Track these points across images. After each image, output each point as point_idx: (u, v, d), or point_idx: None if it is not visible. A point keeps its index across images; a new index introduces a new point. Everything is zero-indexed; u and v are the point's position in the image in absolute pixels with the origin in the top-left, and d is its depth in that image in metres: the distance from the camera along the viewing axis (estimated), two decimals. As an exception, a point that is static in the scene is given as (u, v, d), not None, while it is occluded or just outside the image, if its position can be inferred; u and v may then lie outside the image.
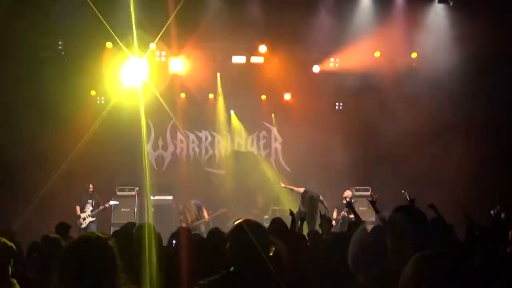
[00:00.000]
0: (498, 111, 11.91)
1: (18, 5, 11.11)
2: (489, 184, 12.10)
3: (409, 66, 13.56)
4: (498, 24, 11.54)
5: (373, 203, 6.41)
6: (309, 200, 10.93)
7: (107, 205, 11.70)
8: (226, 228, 6.56)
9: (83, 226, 11.26)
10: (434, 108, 12.75)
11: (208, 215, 11.61)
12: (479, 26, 11.79)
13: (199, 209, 11.27)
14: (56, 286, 2.18)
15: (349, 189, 12.31)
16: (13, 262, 3.82)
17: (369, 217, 9.48)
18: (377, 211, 6.12)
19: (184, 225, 10.67)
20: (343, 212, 11.26)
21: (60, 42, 12.89)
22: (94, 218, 11.52)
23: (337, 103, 14.71)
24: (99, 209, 11.61)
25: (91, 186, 11.66)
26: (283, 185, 12.26)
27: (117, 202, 12.06)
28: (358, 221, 5.93)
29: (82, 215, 11.39)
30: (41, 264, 4.82)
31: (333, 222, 9.56)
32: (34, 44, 12.48)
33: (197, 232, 10.06)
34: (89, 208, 11.43)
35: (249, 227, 3.10)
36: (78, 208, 11.40)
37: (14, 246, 3.95)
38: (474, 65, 12.19)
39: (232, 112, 14.89)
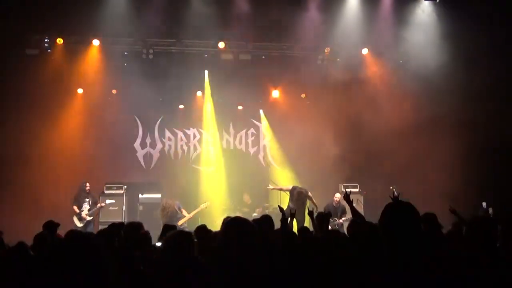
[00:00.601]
0: (483, 106, 11.97)
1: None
2: (471, 177, 12.23)
3: (396, 62, 13.57)
4: (484, 22, 11.60)
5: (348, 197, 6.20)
6: (297, 196, 10.87)
7: (103, 204, 11.67)
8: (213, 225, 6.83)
9: (81, 225, 11.16)
10: (421, 103, 12.80)
11: (189, 213, 11.48)
12: (465, 23, 11.85)
13: (178, 208, 11.19)
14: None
15: (338, 192, 12.09)
16: None
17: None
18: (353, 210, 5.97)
19: (163, 220, 10.56)
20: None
21: (46, 40, 12.72)
22: (92, 217, 11.46)
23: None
24: (96, 207, 11.57)
25: (87, 185, 11.59)
26: (271, 187, 12.14)
27: (113, 201, 12.06)
28: (356, 215, 5.83)
29: (80, 215, 11.34)
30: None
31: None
32: (20, 40, 12.30)
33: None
34: (86, 207, 11.36)
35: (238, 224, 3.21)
36: (76, 207, 11.31)
37: None
38: (461, 61, 12.14)
39: (219, 109, 14.86)
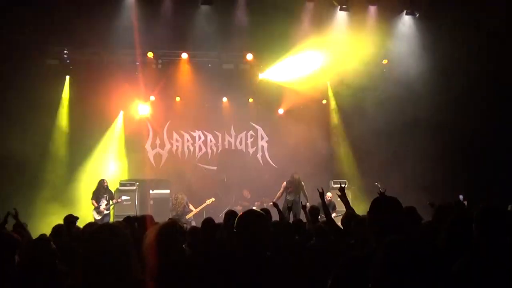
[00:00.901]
0: (458, 111, 11.98)
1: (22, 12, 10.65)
2: (449, 173, 12.33)
3: (381, 70, 13.76)
4: (458, 33, 11.68)
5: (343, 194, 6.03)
6: (297, 183, 11.09)
7: (119, 200, 11.75)
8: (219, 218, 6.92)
9: (99, 217, 11.29)
10: (403, 106, 12.84)
11: (195, 208, 11.62)
12: (442, 35, 12.11)
13: (186, 203, 11.41)
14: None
15: (329, 191, 12.19)
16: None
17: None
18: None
19: (173, 213, 10.95)
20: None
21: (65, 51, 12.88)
22: (108, 211, 11.60)
23: (323, 101, 14.94)
24: (113, 203, 11.72)
25: (106, 182, 11.74)
26: (272, 203, 11.78)
27: (128, 197, 12.13)
28: (350, 208, 5.74)
29: (98, 209, 11.52)
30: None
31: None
32: (40, 51, 12.35)
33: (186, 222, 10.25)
34: (103, 202, 11.53)
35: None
36: (94, 201, 11.48)
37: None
38: (438, 69, 12.34)
39: (222, 113, 14.98)
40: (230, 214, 5.06)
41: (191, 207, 11.49)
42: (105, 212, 11.56)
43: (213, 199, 11.93)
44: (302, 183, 11.31)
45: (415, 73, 12.74)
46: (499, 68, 11.58)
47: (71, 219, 6.28)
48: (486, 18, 11.12)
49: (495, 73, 11.73)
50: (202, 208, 11.71)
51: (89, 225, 5.69)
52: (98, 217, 11.38)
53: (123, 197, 11.92)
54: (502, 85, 11.78)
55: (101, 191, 11.64)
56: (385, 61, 13.71)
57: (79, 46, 12.67)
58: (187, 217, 11.21)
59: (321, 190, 6.16)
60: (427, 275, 1.89)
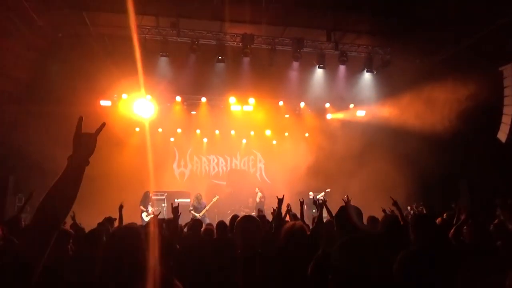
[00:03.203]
0: (412, 141, 11.33)
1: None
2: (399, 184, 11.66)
3: (350, 112, 13.82)
4: (406, 84, 11.62)
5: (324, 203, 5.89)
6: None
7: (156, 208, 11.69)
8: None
9: (147, 219, 10.87)
10: (366, 137, 12.79)
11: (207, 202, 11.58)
12: (395, 88, 11.98)
13: (200, 198, 11.44)
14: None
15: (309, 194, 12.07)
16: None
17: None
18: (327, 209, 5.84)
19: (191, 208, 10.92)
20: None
21: (115, 96, 12.78)
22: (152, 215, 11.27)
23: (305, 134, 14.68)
24: (156, 209, 11.57)
25: (151, 192, 11.59)
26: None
27: (165, 204, 11.91)
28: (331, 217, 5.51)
29: (145, 213, 11.16)
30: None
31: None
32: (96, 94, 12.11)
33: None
34: (149, 208, 11.28)
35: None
36: (142, 207, 11.18)
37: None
38: (393, 109, 12.11)
39: (231, 142, 14.96)
40: (234, 218, 5.07)
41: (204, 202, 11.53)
42: (151, 215, 11.20)
43: (217, 196, 11.78)
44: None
45: (376, 113, 12.79)
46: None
47: (110, 219, 6.07)
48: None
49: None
50: (211, 205, 11.55)
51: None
52: (147, 219, 10.94)
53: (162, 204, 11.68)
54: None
55: (147, 199, 11.42)
56: (351, 106, 13.81)
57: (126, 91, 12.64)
58: (200, 214, 10.94)
59: (301, 200, 5.91)
60: (374, 261, 1.77)
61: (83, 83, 10.64)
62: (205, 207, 11.41)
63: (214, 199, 11.66)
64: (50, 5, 9.68)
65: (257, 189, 13.13)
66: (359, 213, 2.81)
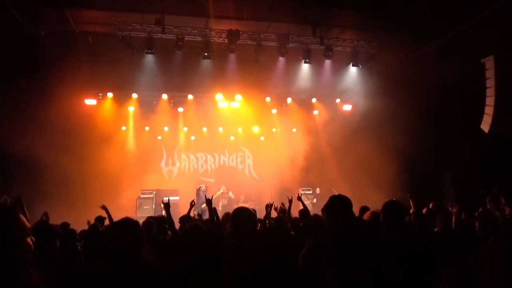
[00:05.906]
0: (398, 134, 11.52)
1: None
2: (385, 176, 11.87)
3: (337, 106, 13.94)
4: (392, 81, 11.78)
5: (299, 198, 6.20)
6: None
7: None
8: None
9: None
10: (352, 133, 12.70)
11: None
12: (380, 81, 12.03)
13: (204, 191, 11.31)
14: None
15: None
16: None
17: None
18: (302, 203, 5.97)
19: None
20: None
21: (100, 94, 12.60)
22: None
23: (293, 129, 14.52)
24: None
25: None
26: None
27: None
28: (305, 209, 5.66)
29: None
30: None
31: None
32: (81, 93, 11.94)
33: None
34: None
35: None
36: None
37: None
38: (379, 102, 12.00)
39: (218, 139, 14.85)
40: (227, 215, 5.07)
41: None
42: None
43: (221, 190, 11.90)
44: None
45: (362, 105, 12.84)
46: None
47: (100, 219, 6.15)
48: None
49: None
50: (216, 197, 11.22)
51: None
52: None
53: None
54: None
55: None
56: (338, 100, 13.92)
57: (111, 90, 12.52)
58: (203, 206, 10.82)
59: (290, 198, 5.88)
60: (359, 242, 1.95)
61: (67, 82, 10.44)
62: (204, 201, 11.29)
63: (219, 192, 11.70)
64: (31, 1, 9.50)
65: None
66: (349, 202, 2.87)
